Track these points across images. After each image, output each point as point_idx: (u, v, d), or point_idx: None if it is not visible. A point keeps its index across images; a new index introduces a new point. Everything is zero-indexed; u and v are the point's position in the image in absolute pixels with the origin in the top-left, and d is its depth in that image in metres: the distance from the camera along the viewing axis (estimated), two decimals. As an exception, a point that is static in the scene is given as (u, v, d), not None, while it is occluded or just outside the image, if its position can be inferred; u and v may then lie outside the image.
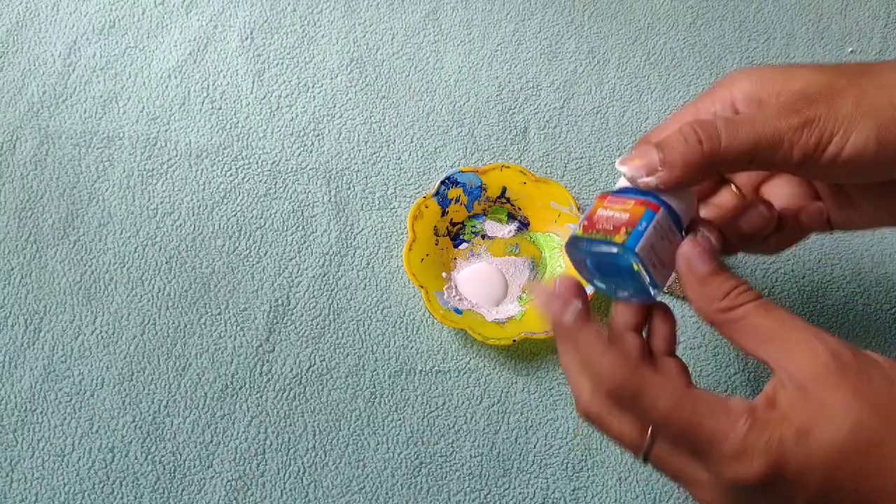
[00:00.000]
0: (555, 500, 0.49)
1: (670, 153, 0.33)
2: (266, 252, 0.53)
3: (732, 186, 0.41)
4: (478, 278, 0.53)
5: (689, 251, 0.34)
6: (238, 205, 0.54)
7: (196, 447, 0.49)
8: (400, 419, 0.50)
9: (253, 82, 0.58)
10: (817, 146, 0.33)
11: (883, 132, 0.33)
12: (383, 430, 0.50)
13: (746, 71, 0.36)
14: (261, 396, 0.50)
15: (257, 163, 0.55)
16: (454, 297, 0.52)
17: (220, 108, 0.57)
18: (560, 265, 0.53)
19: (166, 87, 0.57)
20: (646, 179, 0.34)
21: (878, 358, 0.32)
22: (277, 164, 0.55)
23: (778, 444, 0.30)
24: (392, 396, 0.50)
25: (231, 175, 0.55)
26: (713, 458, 0.31)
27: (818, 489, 0.30)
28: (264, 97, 0.57)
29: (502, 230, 0.54)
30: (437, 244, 0.53)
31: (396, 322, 0.52)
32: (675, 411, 0.31)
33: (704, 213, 0.39)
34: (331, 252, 0.53)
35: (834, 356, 0.31)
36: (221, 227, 0.54)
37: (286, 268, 0.53)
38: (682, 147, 0.33)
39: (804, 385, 0.31)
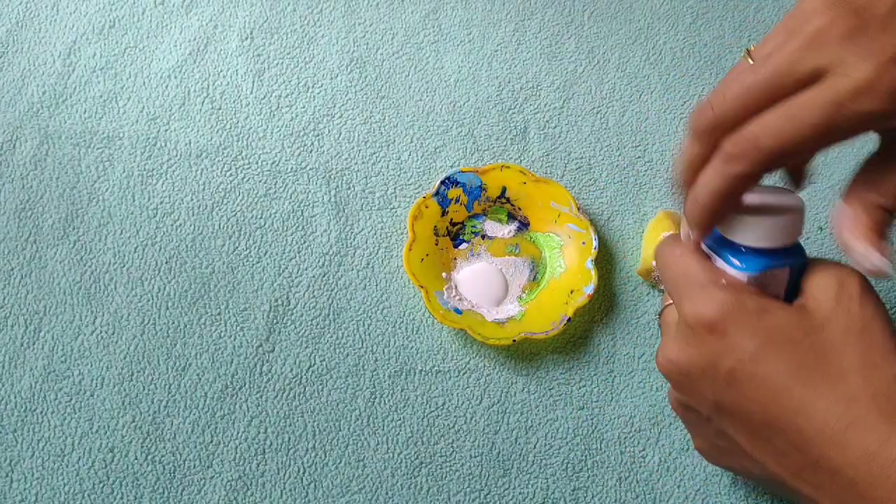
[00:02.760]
0: (555, 500, 0.49)
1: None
2: (266, 252, 0.53)
3: None
4: (478, 278, 0.53)
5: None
6: (238, 205, 0.54)
7: (196, 447, 0.49)
8: (400, 419, 0.50)
9: (253, 82, 0.58)
10: None
11: None
12: (383, 430, 0.50)
13: None
14: (261, 396, 0.50)
15: (257, 163, 0.55)
16: (454, 297, 0.52)
17: (220, 108, 0.57)
18: (560, 265, 0.53)
19: (166, 87, 0.57)
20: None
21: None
22: (277, 164, 0.55)
23: (736, 304, 0.34)
24: (392, 396, 0.50)
25: (231, 175, 0.55)
26: (684, 298, 0.36)
27: (750, 354, 0.33)
28: (264, 97, 0.57)
29: (502, 230, 0.54)
30: (437, 244, 0.53)
31: (396, 322, 0.52)
32: (678, 258, 0.37)
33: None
34: (331, 252, 0.53)
35: (844, 281, 0.35)
36: (221, 227, 0.54)
37: (286, 268, 0.53)
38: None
39: (799, 295, 0.35)
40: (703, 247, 0.39)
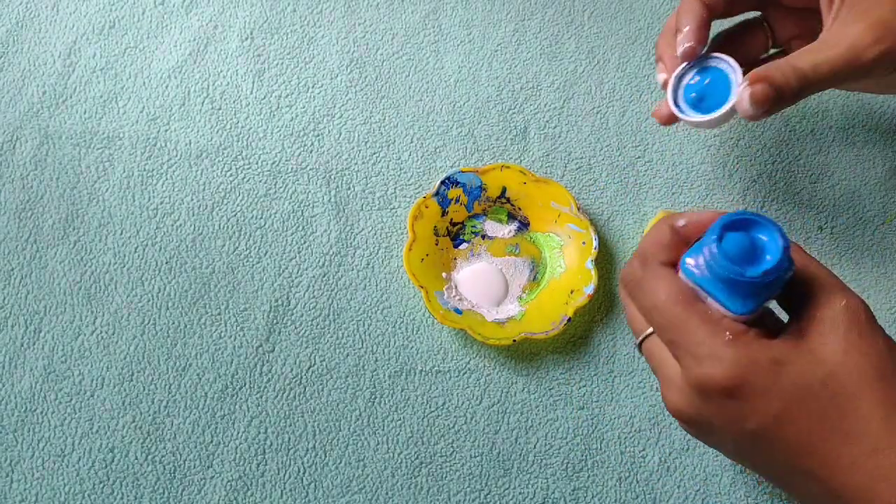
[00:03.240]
0: (555, 500, 0.49)
1: (780, 96, 0.42)
2: (266, 252, 0.53)
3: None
4: (478, 278, 0.53)
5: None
6: (238, 205, 0.54)
7: (196, 447, 0.49)
8: (400, 419, 0.50)
9: (253, 82, 0.58)
10: (885, 72, 0.41)
11: None
12: (383, 430, 0.50)
13: None
14: (261, 396, 0.50)
15: (257, 163, 0.55)
16: (454, 297, 0.52)
17: (220, 108, 0.57)
18: (560, 265, 0.53)
19: (166, 87, 0.57)
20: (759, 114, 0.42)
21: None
22: (277, 164, 0.55)
23: (749, 363, 0.32)
24: (392, 396, 0.50)
25: (231, 175, 0.55)
26: (687, 355, 0.33)
27: (773, 417, 0.32)
28: (264, 97, 0.57)
29: (502, 230, 0.54)
30: (437, 244, 0.53)
31: (396, 322, 0.52)
32: (668, 305, 0.34)
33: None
34: (331, 252, 0.53)
35: (849, 312, 0.33)
36: (221, 227, 0.54)
37: (286, 268, 0.53)
38: (787, 91, 0.41)
39: (809, 329, 0.33)
40: (688, 281, 0.35)
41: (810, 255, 0.36)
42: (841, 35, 0.41)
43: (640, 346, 0.37)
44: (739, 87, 0.42)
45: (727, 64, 0.44)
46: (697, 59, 0.45)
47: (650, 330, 0.36)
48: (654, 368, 0.37)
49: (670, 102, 0.45)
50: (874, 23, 0.39)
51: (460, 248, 0.54)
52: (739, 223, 0.34)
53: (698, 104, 0.45)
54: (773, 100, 0.41)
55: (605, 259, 0.54)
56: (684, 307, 0.34)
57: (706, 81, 0.45)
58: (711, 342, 0.33)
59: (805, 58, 0.41)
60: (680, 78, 0.46)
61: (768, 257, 0.33)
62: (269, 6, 0.60)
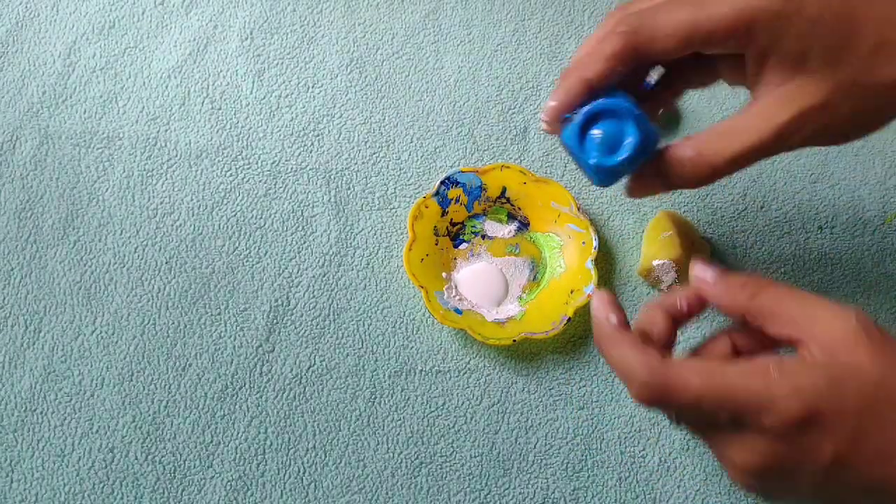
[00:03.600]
0: (555, 500, 0.49)
1: (674, 187, 0.41)
2: (266, 252, 0.53)
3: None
4: (478, 278, 0.53)
5: (696, 267, 0.38)
6: (238, 205, 0.54)
7: (196, 447, 0.49)
8: (400, 419, 0.50)
9: (253, 82, 0.58)
10: (811, 143, 0.40)
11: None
12: (383, 430, 0.50)
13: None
14: (261, 396, 0.50)
15: (257, 163, 0.55)
16: (454, 297, 0.52)
17: (220, 108, 0.57)
18: (560, 265, 0.53)
19: (166, 87, 0.57)
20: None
21: None
22: (277, 164, 0.55)
23: (811, 388, 0.32)
24: (392, 396, 0.50)
25: (231, 175, 0.55)
26: (750, 415, 0.32)
27: (849, 435, 0.32)
28: (264, 97, 0.57)
29: (502, 230, 0.54)
30: (437, 244, 0.53)
31: (396, 322, 0.52)
32: (707, 383, 0.33)
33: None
34: (331, 252, 0.53)
35: (861, 322, 0.33)
36: (221, 227, 0.54)
37: (286, 268, 0.53)
38: (686, 184, 0.41)
39: (833, 348, 0.33)
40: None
41: (789, 286, 0.36)
42: (765, 123, 0.38)
43: (677, 423, 0.36)
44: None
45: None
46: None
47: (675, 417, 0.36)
48: (706, 444, 0.36)
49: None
50: (802, 111, 0.37)
51: (460, 248, 0.54)
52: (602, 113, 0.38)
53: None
54: (659, 191, 0.41)
55: (605, 259, 0.54)
56: (721, 373, 0.33)
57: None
58: (767, 385, 0.32)
59: (719, 148, 0.38)
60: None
61: (629, 140, 0.38)
62: (269, 6, 0.60)
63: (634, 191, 0.42)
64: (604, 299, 0.37)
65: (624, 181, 0.41)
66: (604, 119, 0.38)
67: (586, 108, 0.38)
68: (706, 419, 0.34)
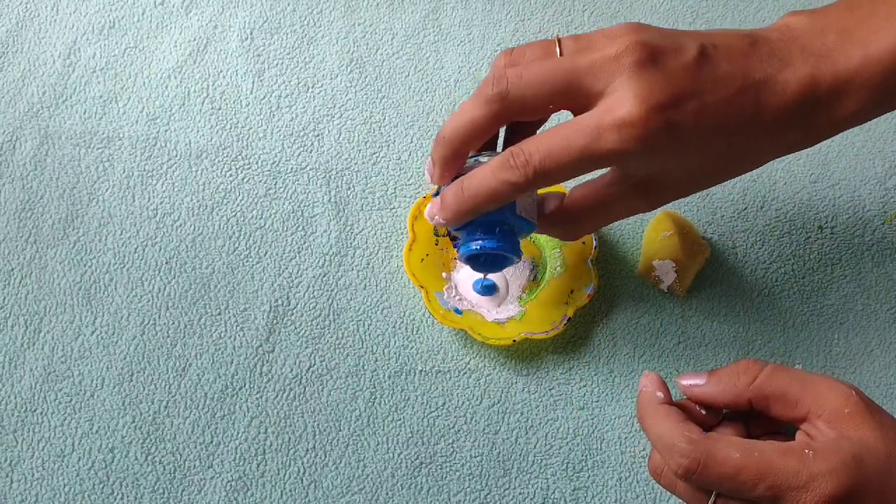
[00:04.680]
0: (555, 500, 0.49)
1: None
2: (266, 252, 0.53)
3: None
4: (478, 278, 0.53)
5: (680, 383, 0.40)
6: (238, 205, 0.54)
7: (196, 447, 0.49)
8: (400, 419, 0.50)
9: (253, 82, 0.58)
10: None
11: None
12: (383, 430, 0.50)
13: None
14: (261, 396, 0.50)
15: (257, 163, 0.55)
16: (454, 297, 0.52)
17: (220, 108, 0.57)
18: (560, 265, 0.53)
19: (166, 87, 0.57)
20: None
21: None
22: (277, 164, 0.55)
23: (843, 467, 0.34)
24: (392, 396, 0.50)
25: (231, 175, 0.55)
26: (790, 492, 0.34)
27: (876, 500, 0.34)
28: (264, 97, 0.57)
29: (502, 230, 0.54)
30: (437, 244, 0.53)
31: (396, 322, 0.52)
32: (747, 458, 0.35)
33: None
34: (331, 252, 0.53)
35: (860, 397, 0.36)
36: (221, 227, 0.54)
37: (286, 268, 0.53)
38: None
39: (842, 426, 0.35)
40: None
41: (783, 366, 0.38)
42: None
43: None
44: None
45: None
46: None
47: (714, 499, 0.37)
48: None
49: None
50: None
51: (460, 248, 0.54)
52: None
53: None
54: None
55: (605, 259, 0.54)
56: (759, 450, 0.35)
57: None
58: (806, 466, 0.34)
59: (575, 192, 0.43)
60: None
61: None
62: (269, 6, 0.60)
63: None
64: (654, 378, 0.40)
65: None
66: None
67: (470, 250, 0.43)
68: (743, 494, 0.35)
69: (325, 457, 0.49)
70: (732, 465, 0.35)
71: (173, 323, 0.51)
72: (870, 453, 0.34)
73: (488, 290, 0.51)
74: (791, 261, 0.54)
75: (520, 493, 0.49)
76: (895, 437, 0.35)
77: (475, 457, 0.49)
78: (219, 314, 0.51)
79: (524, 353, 0.51)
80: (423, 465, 0.49)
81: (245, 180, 0.55)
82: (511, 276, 0.53)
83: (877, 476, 0.34)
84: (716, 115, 0.36)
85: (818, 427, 0.36)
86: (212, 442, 0.49)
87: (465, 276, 0.53)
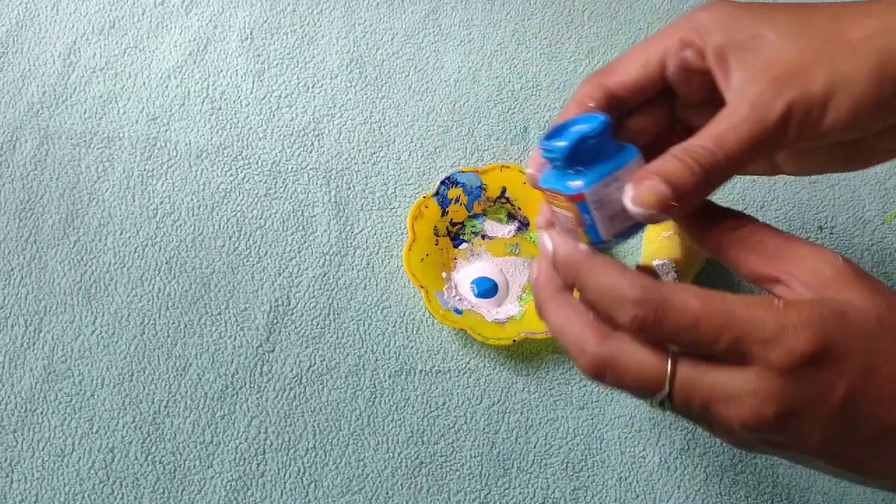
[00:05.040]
0: (555, 500, 0.49)
1: (680, 189, 0.33)
2: (266, 252, 0.53)
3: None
4: (476, 278, 0.53)
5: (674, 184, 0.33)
6: (238, 205, 0.54)
7: (196, 447, 0.49)
8: (400, 419, 0.50)
9: (253, 82, 0.58)
10: (800, 132, 0.33)
11: (855, 104, 0.33)
12: (383, 430, 0.50)
13: (709, 15, 0.35)
14: (261, 396, 0.50)
15: (257, 163, 0.55)
16: (454, 297, 0.52)
17: (220, 108, 0.57)
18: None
19: (166, 87, 0.57)
20: (658, 216, 0.33)
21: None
22: (277, 164, 0.55)
23: (819, 319, 0.29)
24: (392, 396, 0.50)
25: (231, 175, 0.55)
26: (756, 343, 0.29)
27: (860, 373, 0.29)
28: (264, 97, 0.57)
29: (502, 230, 0.54)
30: (437, 244, 0.53)
31: (396, 322, 0.52)
32: (707, 306, 0.30)
33: None
34: (331, 252, 0.53)
35: (846, 262, 0.31)
36: (221, 227, 0.54)
37: (286, 268, 0.53)
38: (689, 180, 0.33)
39: (822, 288, 0.30)
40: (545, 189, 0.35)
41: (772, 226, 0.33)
42: (738, 100, 0.34)
43: (670, 387, 0.32)
44: (628, 190, 0.34)
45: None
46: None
47: (669, 366, 0.31)
48: (703, 399, 0.31)
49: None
50: (773, 77, 0.34)
51: (460, 248, 0.54)
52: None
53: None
54: (672, 197, 0.33)
55: (605, 259, 0.54)
56: (721, 298, 0.30)
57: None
58: (775, 316, 0.29)
59: (706, 135, 0.34)
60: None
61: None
62: (269, 6, 0.60)
63: (638, 201, 0.35)
64: (562, 232, 0.34)
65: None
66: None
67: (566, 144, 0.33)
68: (703, 348, 0.31)
69: (325, 457, 0.49)
70: (692, 314, 0.30)
71: (173, 323, 0.51)
72: (855, 312, 0.30)
73: (488, 292, 0.51)
74: (791, 261, 0.54)
75: (520, 493, 0.49)
76: (889, 302, 0.30)
77: (475, 456, 0.49)
78: (219, 314, 0.52)
79: (524, 353, 0.51)
80: (423, 464, 0.49)
81: (245, 180, 0.55)
82: (511, 276, 0.53)
83: (863, 336, 0.29)
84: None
85: (794, 287, 0.31)
86: (212, 442, 0.49)
87: (465, 276, 0.53)
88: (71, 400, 0.49)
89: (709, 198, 0.35)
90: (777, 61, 0.34)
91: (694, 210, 0.34)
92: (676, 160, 0.33)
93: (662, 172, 0.33)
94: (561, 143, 0.34)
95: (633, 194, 0.33)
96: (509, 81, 0.59)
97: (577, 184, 0.34)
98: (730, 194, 0.56)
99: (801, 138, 0.33)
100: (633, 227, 0.35)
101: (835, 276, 0.31)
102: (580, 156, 0.34)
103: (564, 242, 0.34)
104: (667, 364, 0.31)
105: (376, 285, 0.53)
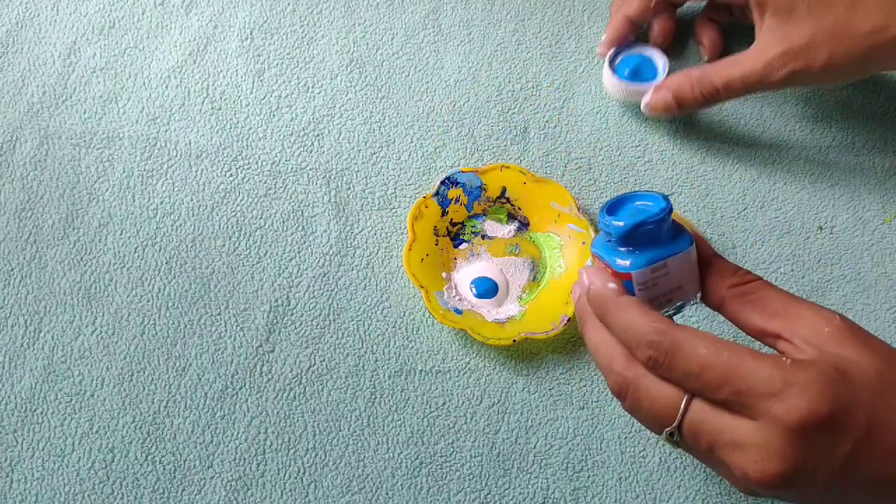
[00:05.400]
0: (555, 500, 0.49)
1: (684, 107, 0.53)
2: (266, 252, 0.53)
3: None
4: (476, 277, 0.53)
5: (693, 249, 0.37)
6: (238, 205, 0.54)
7: (196, 447, 0.49)
8: (400, 419, 0.50)
9: (253, 82, 0.58)
10: (791, 85, 0.50)
11: (841, 78, 0.50)
12: (383, 430, 0.50)
13: None
14: (261, 396, 0.50)
15: (257, 163, 0.55)
16: (454, 297, 0.52)
17: (220, 109, 0.57)
18: (560, 265, 0.53)
19: (166, 87, 0.57)
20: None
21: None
22: (277, 165, 0.55)
23: (824, 378, 0.30)
24: (392, 396, 0.50)
25: (231, 175, 0.55)
26: (762, 399, 0.30)
27: (864, 430, 0.30)
28: (264, 97, 0.57)
29: (502, 230, 0.54)
30: (437, 244, 0.53)
31: (396, 322, 0.52)
32: (714, 355, 0.31)
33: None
34: (331, 252, 0.53)
35: (843, 320, 0.33)
36: (221, 227, 0.54)
37: (286, 268, 0.53)
38: (692, 102, 0.52)
39: (821, 345, 0.32)
40: (597, 256, 0.37)
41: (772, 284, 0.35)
42: (758, 57, 0.49)
43: (679, 426, 0.33)
44: (649, 92, 0.54)
45: (657, 54, 0.56)
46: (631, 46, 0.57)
47: (684, 402, 0.33)
48: (709, 441, 0.32)
49: (608, 69, 0.56)
50: (789, 48, 0.48)
51: (460, 248, 0.54)
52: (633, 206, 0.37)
53: (630, 76, 0.56)
54: (673, 108, 0.53)
55: (605, 259, 0.54)
56: (729, 349, 0.31)
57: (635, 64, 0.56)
58: (782, 373, 0.30)
59: (721, 72, 0.50)
60: (616, 54, 0.57)
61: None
62: (269, 6, 0.60)
63: (651, 105, 0.54)
64: (598, 270, 0.36)
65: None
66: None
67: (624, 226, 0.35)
68: (707, 394, 0.32)
69: (325, 457, 0.49)
70: (697, 362, 0.31)
71: (173, 323, 0.51)
72: (856, 367, 0.31)
73: (488, 292, 0.51)
74: (791, 261, 0.54)
75: (520, 493, 0.49)
76: (886, 358, 0.31)
77: (475, 457, 0.49)
78: (219, 314, 0.52)
79: (524, 353, 0.51)
80: (423, 465, 0.49)
81: (245, 180, 0.55)
82: (511, 276, 0.53)
83: (864, 392, 0.30)
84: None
85: (796, 344, 0.32)
86: (212, 442, 0.49)
87: (465, 276, 0.53)
88: (71, 400, 0.49)
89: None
90: (797, 34, 0.47)
91: (703, 265, 0.37)
92: (689, 87, 0.52)
93: (675, 92, 0.52)
94: (619, 223, 0.35)
95: (649, 100, 0.54)
96: (509, 81, 0.59)
97: (625, 263, 0.35)
98: (729, 194, 0.56)
99: (790, 87, 0.50)
100: (670, 311, 0.37)
101: (832, 334, 0.32)
102: (635, 238, 0.35)
103: (598, 279, 0.37)
104: (682, 399, 0.33)
105: (376, 285, 0.53)
